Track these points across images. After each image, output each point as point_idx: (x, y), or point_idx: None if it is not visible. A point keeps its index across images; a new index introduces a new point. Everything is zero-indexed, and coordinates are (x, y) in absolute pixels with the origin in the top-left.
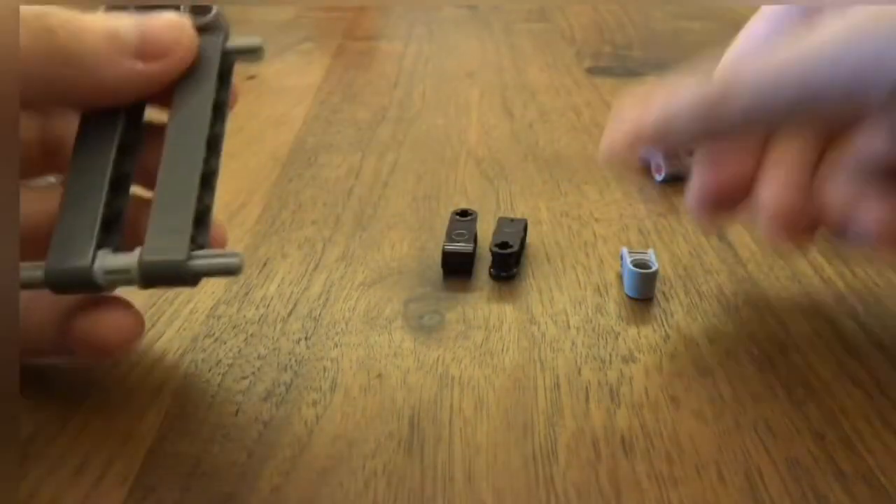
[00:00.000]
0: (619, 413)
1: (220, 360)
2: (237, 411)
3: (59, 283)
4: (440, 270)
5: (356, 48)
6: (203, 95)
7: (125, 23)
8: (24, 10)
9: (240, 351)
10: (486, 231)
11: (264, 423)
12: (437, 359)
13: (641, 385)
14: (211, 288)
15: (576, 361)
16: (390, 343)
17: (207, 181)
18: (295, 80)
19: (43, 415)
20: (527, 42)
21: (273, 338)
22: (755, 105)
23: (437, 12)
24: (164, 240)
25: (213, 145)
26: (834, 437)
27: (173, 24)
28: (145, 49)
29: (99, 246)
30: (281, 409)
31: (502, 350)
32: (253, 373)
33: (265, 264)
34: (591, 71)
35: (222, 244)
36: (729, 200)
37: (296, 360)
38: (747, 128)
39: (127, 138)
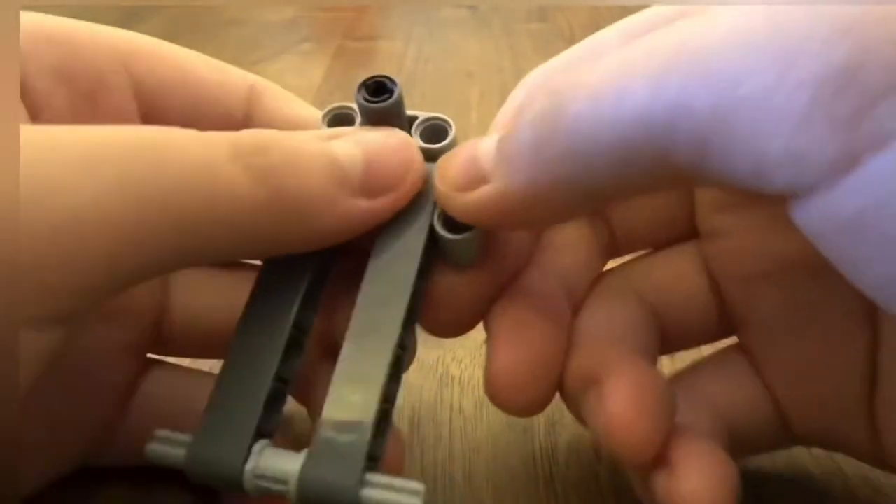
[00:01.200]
0: None
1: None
2: None
3: (199, 475)
4: None
5: (356, 48)
6: (412, 241)
7: (348, 149)
8: (239, 138)
9: None
10: None
11: None
12: (437, 359)
13: None
14: None
15: None
16: None
17: (398, 364)
18: (295, 80)
19: None
20: (527, 42)
21: None
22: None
23: (437, 12)
24: (333, 451)
25: (412, 310)
26: None
27: (402, 148)
28: (370, 183)
29: (259, 433)
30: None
31: None
32: None
33: None
34: None
35: (399, 462)
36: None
37: None
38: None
39: (313, 287)
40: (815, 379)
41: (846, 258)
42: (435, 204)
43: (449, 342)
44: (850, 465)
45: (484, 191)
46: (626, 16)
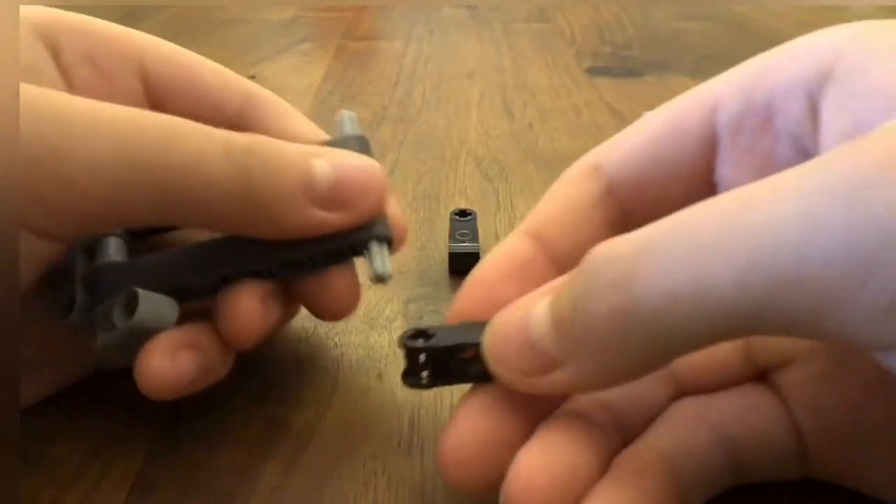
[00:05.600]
0: None
1: None
2: (237, 411)
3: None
4: (440, 270)
5: (356, 48)
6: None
7: (323, 167)
8: (234, 137)
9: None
10: (486, 231)
11: (264, 422)
12: None
13: None
14: None
15: None
16: (390, 343)
17: None
18: (295, 80)
19: (43, 414)
20: (527, 42)
21: (273, 338)
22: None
23: (437, 12)
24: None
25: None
26: None
27: (367, 169)
28: (334, 197)
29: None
30: (281, 409)
31: None
32: (253, 373)
33: None
34: (591, 71)
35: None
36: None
37: (296, 360)
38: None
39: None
40: (850, 424)
41: None
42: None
43: None
44: None
45: (558, 378)
46: (626, 15)
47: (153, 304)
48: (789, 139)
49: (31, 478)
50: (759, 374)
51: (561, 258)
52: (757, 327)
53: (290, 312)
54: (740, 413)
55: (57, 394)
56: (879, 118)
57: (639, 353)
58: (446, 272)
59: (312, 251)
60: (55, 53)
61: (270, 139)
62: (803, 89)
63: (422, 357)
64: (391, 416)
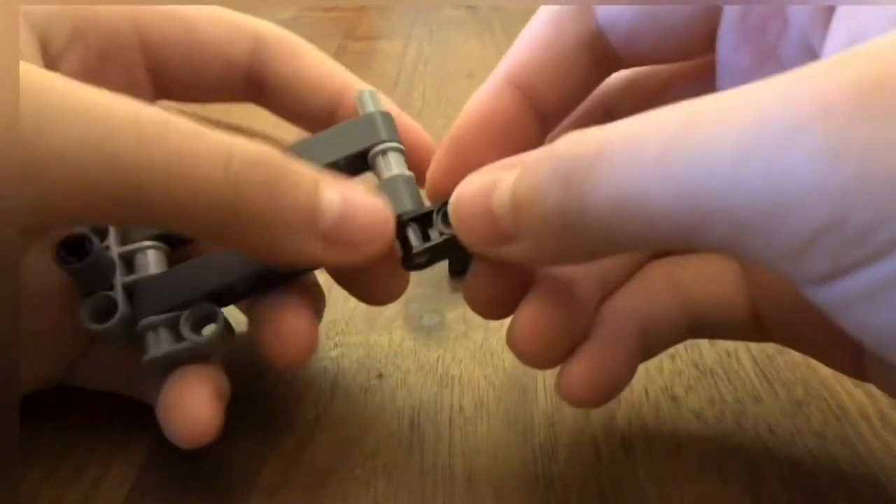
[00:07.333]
0: (619, 413)
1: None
2: (237, 411)
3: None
4: (441, 270)
5: (356, 48)
6: None
7: (330, 196)
8: (240, 146)
9: (240, 351)
10: None
11: (264, 423)
12: (437, 359)
13: (641, 385)
14: None
15: None
16: (390, 343)
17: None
18: None
19: (43, 414)
20: None
21: None
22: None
23: (437, 12)
24: None
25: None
26: (834, 437)
27: (377, 211)
28: (337, 234)
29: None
30: (281, 409)
31: (502, 350)
32: (253, 373)
33: None
34: None
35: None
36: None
37: None
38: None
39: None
40: (806, 310)
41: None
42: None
43: (449, 342)
44: (851, 465)
45: (514, 250)
46: None
47: (222, 324)
48: (799, 34)
49: (32, 477)
50: None
51: (547, 111)
52: (690, 242)
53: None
54: (703, 280)
55: (57, 394)
56: (880, 27)
57: (584, 246)
58: (446, 272)
59: None
60: (44, 45)
61: (282, 155)
62: None
63: (410, 232)
64: (391, 416)
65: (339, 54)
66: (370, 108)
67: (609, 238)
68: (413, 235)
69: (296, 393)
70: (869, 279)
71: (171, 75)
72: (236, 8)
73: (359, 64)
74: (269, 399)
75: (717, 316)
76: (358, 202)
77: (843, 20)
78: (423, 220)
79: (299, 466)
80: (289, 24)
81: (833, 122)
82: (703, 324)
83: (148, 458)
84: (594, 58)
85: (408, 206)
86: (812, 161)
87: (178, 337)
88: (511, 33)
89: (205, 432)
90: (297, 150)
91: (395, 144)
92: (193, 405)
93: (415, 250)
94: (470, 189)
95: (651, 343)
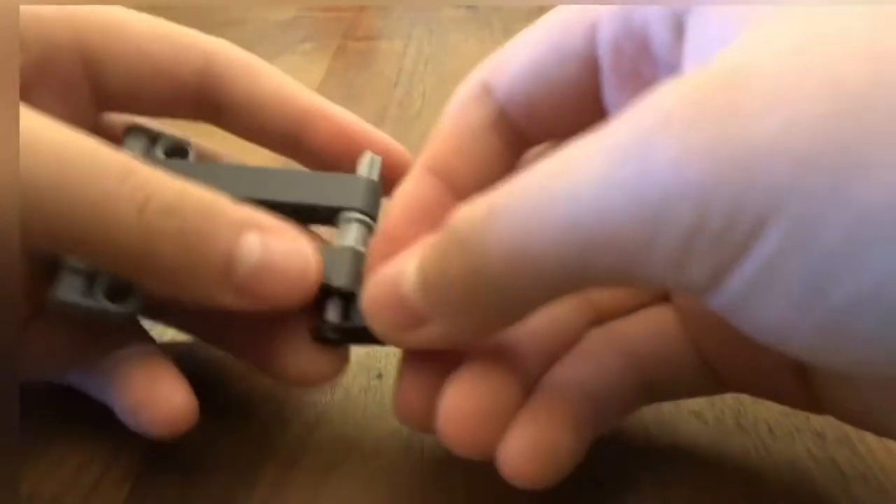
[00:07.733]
0: None
1: (219, 360)
2: (237, 411)
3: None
4: None
5: (356, 48)
6: None
7: (249, 244)
8: (158, 190)
9: None
10: None
11: (264, 423)
12: None
13: None
14: None
15: None
16: None
17: None
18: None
19: (43, 414)
20: None
21: None
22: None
23: (437, 12)
24: None
25: None
26: (834, 437)
27: (299, 262)
28: (251, 286)
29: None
30: (281, 409)
31: None
32: (253, 373)
33: None
34: None
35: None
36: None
37: None
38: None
39: None
40: (743, 342)
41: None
42: None
43: None
44: (850, 465)
45: (431, 331)
46: None
47: (138, 302)
48: (667, 67)
49: (32, 477)
50: (665, 295)
51: (465, 191)
52: (584, 283)
53: None
54: (645, 336)
55: (57, 393)
56: (719, 46)
57: (491, 312)
58: None
59: None
60: None
61: (207, 198)
62: (672, 11)
63: (330, 305)
64: (391, 416)
65: (339, 54)
66: (364, 172)
67: (514, 294)
68: (332, 308)
69: (296, 393)
70: (747, 273)
71: (113, 90)
72: (236, 9)
73: (359, 64)
74: (268, 399)
75: (670, 369)
76: (278, 251)
77: (694, 40)
78: (350, 299)
79: (299, 466)
80: (289, 24)
81: (675, 128)
82: (655, 380)
83: (148, 458)
84: (502, 137)
85: (341, 281)
86: (663, 169)
87: (90, 294)
88: (511, 33)
89: (186, 418)
90: (276, 178)
91: (364, 218)
92: (167, 392)
93: (326, 322)
94: (378, 279)
95: (602, 410)
